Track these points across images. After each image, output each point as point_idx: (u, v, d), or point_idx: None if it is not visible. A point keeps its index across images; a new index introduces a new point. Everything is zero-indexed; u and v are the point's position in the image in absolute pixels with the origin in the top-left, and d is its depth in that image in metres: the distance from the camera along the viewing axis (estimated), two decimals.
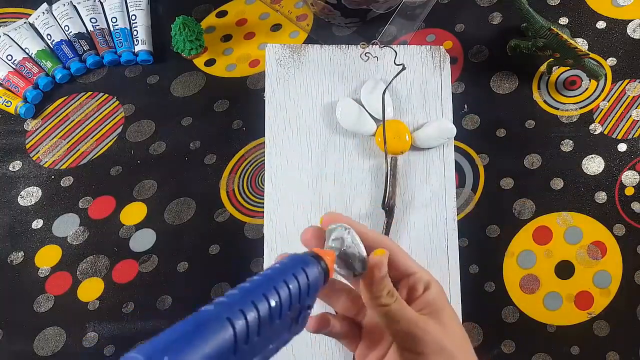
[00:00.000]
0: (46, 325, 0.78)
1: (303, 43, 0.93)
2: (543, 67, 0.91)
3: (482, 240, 0.84)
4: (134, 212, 0.84)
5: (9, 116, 0.88)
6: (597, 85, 0.90)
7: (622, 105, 0.89)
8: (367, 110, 0.83)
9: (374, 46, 0.84)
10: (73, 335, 0.78)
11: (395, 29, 0.88)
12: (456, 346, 0.54)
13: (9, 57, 0.89)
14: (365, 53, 0.84)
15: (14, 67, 0.89)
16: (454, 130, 0.83)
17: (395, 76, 0.83)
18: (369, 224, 0.80)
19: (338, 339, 0.59)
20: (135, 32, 0.92)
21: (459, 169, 0.86)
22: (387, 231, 0.78)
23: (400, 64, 0.83)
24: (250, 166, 0.86)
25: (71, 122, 0.87)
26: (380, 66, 0.86)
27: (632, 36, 0.93)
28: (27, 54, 0.90)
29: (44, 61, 0.89)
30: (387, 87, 0.82)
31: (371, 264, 0.52)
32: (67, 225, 0.83)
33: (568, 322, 0.82)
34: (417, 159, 0.83)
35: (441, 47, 0.88)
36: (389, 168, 0.80)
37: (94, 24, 0.92)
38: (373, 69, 0.86)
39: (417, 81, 0.86)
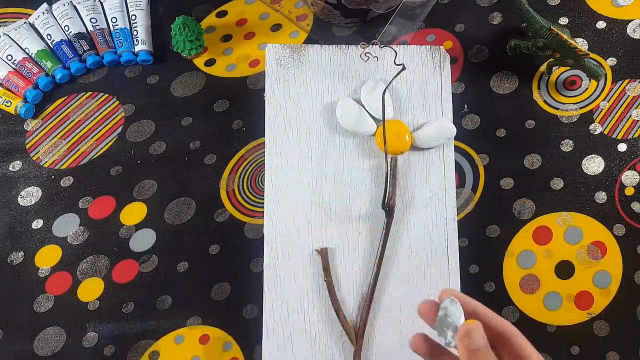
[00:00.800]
0: (46, 325, 0.78)
1: (303, 43, 0.93)
2: (543, 67, 0.91)
3: (482, 240, 0.84)
4: (134, 212, 0.84)
5: (9, 116, 0.88)
6: (597, 85, 0.90)
7: (622, 105, 0.89)
8: (367, 110, 0.83)
9: (373, 46, 0.84)
10: (73, 335, 0.78)
11: (395, 29, 0.88)
12: None
13: (9, 57, 0.89)
14: (365, 53, 0.84)
15: (14, 67, 0.89)
16: (453, 130, 0.83)
17: (395, 76, 0.83)
18: (369, 224, 0.80)
19: None
20: (135, 32, 0.92)
21: (459, 169, 0.86)
22: (387, 231, 0.79)
23: (400, 64, 0.83)
24: (250, 166, 0.86)
25: (71, 122, 0.87)
26: (380, 66, 0.86)
27: (632, 36, 0.93)
28: (27, 54, 0.90)
29: (44, 61, 0.89)
30: (387, 87, 0.82)
31: (460, 332, 0.51)
32: (67, 225, 0.83)
33: (568, 322, 0.82)
34: (417, 159, 0.83)
35: (441, 47, 0.88)
36: (389, 168, 0.80)
37: (94, 24, 0.92)
38: (373, 69, 0.86)
39: (417, 81, 0.86)
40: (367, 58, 0.85)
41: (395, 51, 0.84)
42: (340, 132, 0.83)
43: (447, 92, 0.86)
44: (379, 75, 0.86)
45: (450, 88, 0.87)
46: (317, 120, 0.83)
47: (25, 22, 0.92)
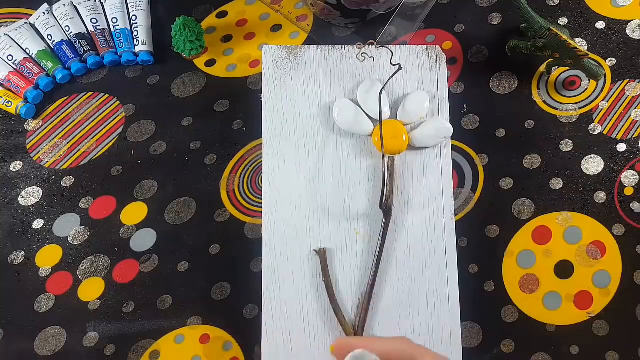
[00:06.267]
0: (47, 325, 0.79)
1: (303, 43, 0.93)
2: (542, 68, 0.91)
3: (482, 240, 0.84)
4: (134, 212, 0.84)
5: (10, 116, 0.88)
6: (597, 85, 0.90)
7: (621, 106, 0.89)
8: (363, 111, 0.83)
9: (370, 46, 0.84)
10: (74, 335, 0.78)
11: (395, 29, 0.88)
12: None
13: (10, 58, 0.89)
14: (362, 53, 0.84)
15: (15, 67, 0.89)
16: (450, 129, 0.83)
17: (392, 76, 0.83)
18: (367, 223, 0.80)
19: None
20: (135, 33, 0.92)
21: (458, 169, 0.86)
22: (385, 231, 0.79)
23: (397, 64, 0.83)
24: (250, 166, 0.86)
25: (72, 122, 0.88)
26: (376, 66, 0.86)
27: (631, 36, 0.93)
28: (28, 54, 0.90)
29: (44, 61, 0.89)
30: (383, 87, 0.82)
31: None
32: (68, 225, 0.83)
33: (568, 322, 0.82)
34: (415, 158, 0.83)
35: (437, 46, 0.87)
36: (386, 168, 0.80)
37: (94, 25, 0.92)
38: (369, 69, 0.86)
39: (414, 81, 0.86)
40: (363, 58, 0.85)
41: (392, 51, 0.84)
42: (337, 132, 0.83)
43: (443, 91, 0.86)
44: (375, 75, 0.86)
45: (446, 87, 0.86)
46: (314, 120, 0.83)
47: (25, 23, 0.93)
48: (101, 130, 0.88)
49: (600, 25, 0.94)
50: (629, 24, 0.94)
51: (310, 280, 0.78)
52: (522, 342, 0.81)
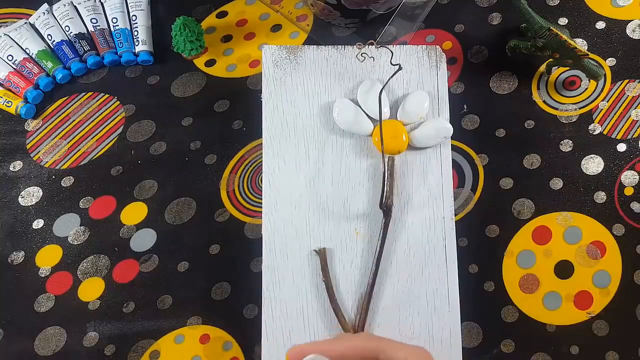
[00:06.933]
0: (47, 325, 0.79)
1: (303, 43, 0.93)
2: (542, 68, 0.91)
3: (482, 240, 0.84)
4: (134, 212, 0.84)
5: (10, 116, 0.88)
6: (597, 85, 0.90)
7: (621, 106, 0.89)
8: (363, 111, 0.83)
9: (370, 46, 0.84)
10: (74, 335, 0.78)
11: (395, 29, 0.88)
12: None
13: (10, 58, 0.89)
14: (362, 53, 0.84)
15: (15, 67, 0.89)
16: (450, 129, 0.83)
17: (392, 76, 0.83)
18: (367, 223, 0.80)
19: None
20: (135, 33, 0.92)
21: (458, 169, 0.86)
22: (384, 231, 0.79)
23: (397, 64, 0.83)
24: (250, 166, 0.86)
25: (72, 122, 0.88)
26: (376, 66, 0.86)
27: (631, 36, 0.93)
28: (28, 54, 0.90)
29: (44, 61, 0.89)
30: (383, 87, 0.82)
31: None
32: (68, 225, 0.83)
33: (567, 322, 0.82)
34: (414, 158, 0.83)
35: (437, 46, 0.87)
36: (386, 168, 0.80)
37: (94, 25, 0.92)
38: (369, 69, 0.86)
39: (414, 81, 0.86)
40: (363, 58, 0.85)
41: (392, 51, 0.84)
42: (337, 132, 0.83)
43: (443, 91, 0.86)
44: (375, 75, 0.86)
45: (446, 87, 0.86)
46: (314, 120, 0.83)
47: (25, 23, 0.93)
48: (101, 130, 0.88)
49: (600, 25, 0.94)
50: (629, 24, 0.94)
51: (310, 280, 0.78)
52: (522, 342, 0.81)
